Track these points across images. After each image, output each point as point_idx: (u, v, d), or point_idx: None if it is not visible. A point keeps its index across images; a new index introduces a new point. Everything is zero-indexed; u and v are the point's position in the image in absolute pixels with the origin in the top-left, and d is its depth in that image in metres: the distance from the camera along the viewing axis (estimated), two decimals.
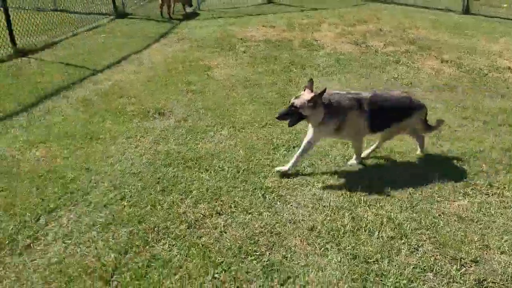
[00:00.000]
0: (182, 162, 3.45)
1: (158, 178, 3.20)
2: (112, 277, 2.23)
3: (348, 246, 2.52)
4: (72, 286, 2.19)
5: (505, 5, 9.73)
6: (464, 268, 2.37)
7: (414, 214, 2.82)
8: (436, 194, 3.07)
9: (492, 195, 3.09)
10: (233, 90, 5.19)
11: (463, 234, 2.63)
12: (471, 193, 3.10)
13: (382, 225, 2.70)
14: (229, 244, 2.51)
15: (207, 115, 4.44)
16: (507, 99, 5.03)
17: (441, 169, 3.40)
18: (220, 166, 3.40)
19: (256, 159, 3.54)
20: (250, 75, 5.74)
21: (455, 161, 3.57)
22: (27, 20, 7.15)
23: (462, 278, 2.30)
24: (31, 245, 2.46)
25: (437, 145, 3.85)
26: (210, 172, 3.31)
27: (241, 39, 7.61)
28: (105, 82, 5.38)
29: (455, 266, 2.37)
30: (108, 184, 3.10)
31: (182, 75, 5.67)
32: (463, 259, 2.42)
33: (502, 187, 3.18)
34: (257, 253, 2.44)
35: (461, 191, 3.12)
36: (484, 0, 10.37)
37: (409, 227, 2.69)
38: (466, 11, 9.33)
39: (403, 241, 2.57)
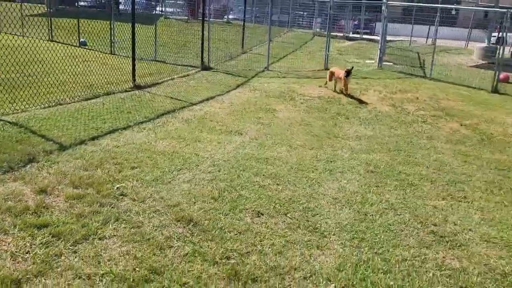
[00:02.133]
0: (255, 159, 5.21)
1: (240, 164, 4.97)
2: (219, 197, 3.97)
3: (356, 208, 4.09)
4: (195, 201, 3.93)
5: None
6: None
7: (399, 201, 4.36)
8: None
9: None
10: (291, 126, 7.01)
11: None
12: None
13: (380, 202, 4.26)
14: (283, 196, 4.18)
15: (272, 138, 6.25)
16: (503, 154, 6.41)
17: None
18: (280, 164, 5.13)
19: (304, 164, 5.23)
20: (305, 118, 7.57)
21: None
22: (138, 66, 9.58)
23: None
24: (171, 181, 4.28)
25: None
26: (273, 166, 5.04)
27: (300, 94, 9.57)
28: (199, 111, 7.42)
29: None
30: (210, 163, 4.92)
31: (254, 113, 7.62)
32: None
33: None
34: (300, 202, 4.09)
35: None
36: None
37: (397, 205, 4.22)
38: (495, 90, 10.80)
39: (392, 214, 4.11)
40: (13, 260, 2.69)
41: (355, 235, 3.57)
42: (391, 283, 2.95)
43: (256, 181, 4.52)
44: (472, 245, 3.65)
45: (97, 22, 14.07)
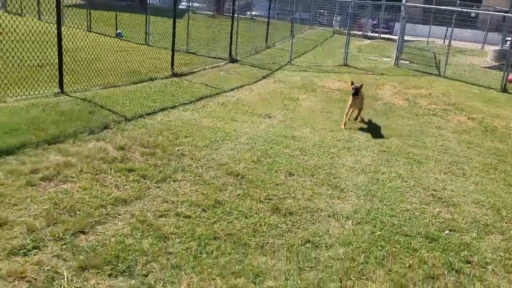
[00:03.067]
0: (284, 136, 6.14)
1: (272, 139, 5.90)
2: (258, 160, 4.90)
3: (370, 175, 4.98)
4: (239, 162, 4.86)
5: None
6: None
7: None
8: None
9: None
10: (313, 112, 7.91)
11: None
12: None
13: (390, 172, 5.14)
14: (310, 164, 5.09)
15: (297, 121, 7.16)
16: (503, 143, 7.21)
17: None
18: (305, 141, 6.04)
19: (326, 142, 6.13)
20: (325, 106, 8.46)
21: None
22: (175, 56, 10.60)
23: None
24: (218, 148, 5.23)
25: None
26: (300, 142, 5.95)
27: (320, 86, 10.45)
28: (231, 97, 8.37)
29: None
30: (247, 137, 5.86)
31: (280, 100, 8.53)
32: None
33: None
34: (323, 168, 5.00)
35: None
36: None
37: (404, 175, 5.08)
38: (504, 89, 11.50)
39: (399, 181, 4.98)
40: (117, 189, 3.67)
41: (368, 193, 4.47)
42: (396, 222, 3.85)
43: (286, 152, 5.45)
44: (464, 206, 4.51)
45: (128, 15, 15.14)
